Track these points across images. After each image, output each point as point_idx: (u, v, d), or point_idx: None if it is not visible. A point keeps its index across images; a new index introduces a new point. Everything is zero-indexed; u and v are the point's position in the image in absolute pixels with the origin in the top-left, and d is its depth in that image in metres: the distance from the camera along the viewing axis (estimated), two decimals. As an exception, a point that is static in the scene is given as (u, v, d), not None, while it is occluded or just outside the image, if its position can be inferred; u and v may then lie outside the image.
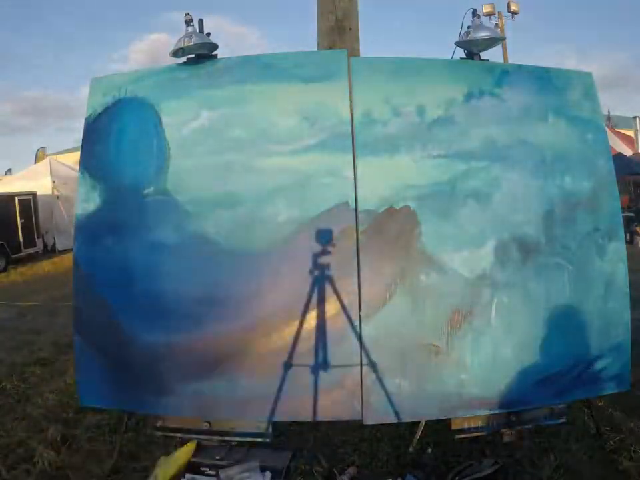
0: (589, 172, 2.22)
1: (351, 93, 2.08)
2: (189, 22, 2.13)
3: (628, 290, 2.21)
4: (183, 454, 2.34)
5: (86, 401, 2.25)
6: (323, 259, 2.04)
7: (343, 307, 2.04)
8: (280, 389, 2.06)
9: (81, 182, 2.25)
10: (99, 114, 2.29)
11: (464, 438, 2.21)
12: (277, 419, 2.09)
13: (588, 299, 2.19)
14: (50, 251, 9.72)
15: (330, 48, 2.16)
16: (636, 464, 2.20)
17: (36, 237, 9.34)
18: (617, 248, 2.23)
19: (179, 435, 2.30)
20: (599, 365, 2.18)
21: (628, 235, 7.69)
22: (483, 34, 2.09)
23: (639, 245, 7.95)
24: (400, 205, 2.07)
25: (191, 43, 2.13)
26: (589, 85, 2.32)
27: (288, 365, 2.05)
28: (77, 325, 2.23)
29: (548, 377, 2.14)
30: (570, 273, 2.17)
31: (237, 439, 2.24)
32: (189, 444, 2.37)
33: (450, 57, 2.26)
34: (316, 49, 2.20)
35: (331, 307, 2.04)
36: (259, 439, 2.17)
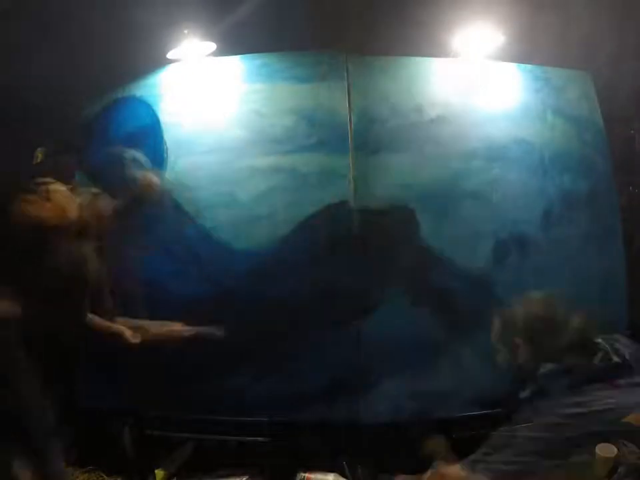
0: (587, 171, 2.23)
1: (349, 92, 2.09)
2: (185, 21, 2.13)
3: (626, 289, 2.22)
4: (181, 455, 2.34)
5: (85, 401, 2.25)
6: (321, 258, 2.04)
7: (342, 305, 2.04)
8: (279, 388, 2.06)
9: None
10: (97, 113, 2.29)
11: (462, 437, 2.20)
12: (276, 418, 2.09)
13: (587, 298, 2.19)
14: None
15: (328, 47, 2.17)
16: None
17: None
18: (616, 246, 2.23)
19: (177, 434, 2.30)
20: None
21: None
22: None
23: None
24: (399, 204, 2.07)
25: (187, 43, 2.13)
26: (587, 84, 2.33)
27: (286, 364, 2.05)
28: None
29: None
30: (568, 271, 2.18)
31: (236, 438, 2.24)
32: (187, 445, 2.36)
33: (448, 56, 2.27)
34: (314, 48, 2.21)
35: (330, 305, 2.05)
36: (259, 439, 2.17)
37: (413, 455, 2.29)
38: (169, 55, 2.30)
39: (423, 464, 2.23)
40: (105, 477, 2.24)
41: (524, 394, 1.46)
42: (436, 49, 2.26)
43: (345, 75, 2.10)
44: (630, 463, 1.90)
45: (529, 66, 2.30)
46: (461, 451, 2.28)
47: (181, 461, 2.31)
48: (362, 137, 2.08)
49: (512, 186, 2.14)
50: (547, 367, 1.40)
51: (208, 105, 2.18)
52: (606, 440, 1.30)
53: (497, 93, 2.21)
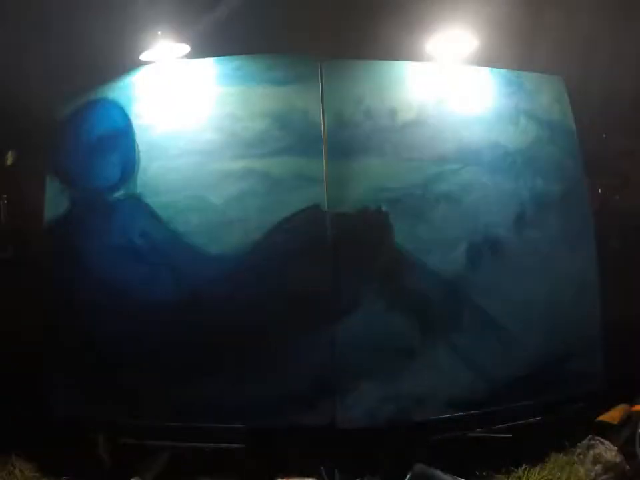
0: (559, 174, 2.26)
1: (322, 96, 2.09)
2: (158, 23, 2.11)
3: (598, 291, 2.25)
4: (157, 463, 2.30)
5: (58, 411, 2.20)
6: (295, 261, 2.03)
7: (316, 309, 2.04)
8: (255, 394, 2.04)
9: (49, 186, 2.21)
10: (68, 115, 2.25)
11: (439, 439, 2.21)
12: (252, 424, 2.07)
13: (560, 300, 2.22)
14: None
15: (302, 51, 2.17)
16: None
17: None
18: (588, 248, 2.26)
19: (153, 442, 2.26)
20: (570, 365, 2.21)
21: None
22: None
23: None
24: (372, 207, 2.07)
25: (161, 45, 2.11)
26: (560, 89, 2.37)
27: (261, 369, 2.04)
28: (46, 331, 2.18)
29: (522, 377, 2.17)
30: (541, 273, 2.20)
31: (213, 445, 2.21)
32: (163, 453, 2.32)
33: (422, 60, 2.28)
34: (288, 51, 2.21)
35: (304, 309, 2.03)
36: (234, 445, 2.15)
37: (391, 458, 2.30)
38: (142, 57, 2.27)
39: (401, 467, 2.24)
40: (80, 486, 2.19)
41: None
42: (409, 53, 2.27)
43: (319, 78, 2.10)
44: (607, 460, 1.93)
45: (502, 70, 2.32)
46: (439, 453, 2.30)
47: (158, 469, 2.28)
48: (335, 140, 2.08)
49: (485, 189, 2.16)
50: None
51: (181, 107, 2.16)
52: None
53: (471, 97, 2.23)
